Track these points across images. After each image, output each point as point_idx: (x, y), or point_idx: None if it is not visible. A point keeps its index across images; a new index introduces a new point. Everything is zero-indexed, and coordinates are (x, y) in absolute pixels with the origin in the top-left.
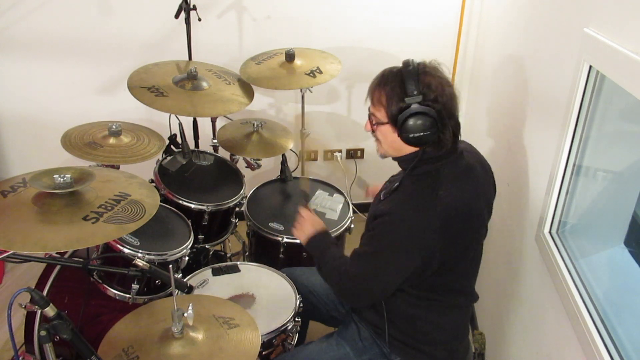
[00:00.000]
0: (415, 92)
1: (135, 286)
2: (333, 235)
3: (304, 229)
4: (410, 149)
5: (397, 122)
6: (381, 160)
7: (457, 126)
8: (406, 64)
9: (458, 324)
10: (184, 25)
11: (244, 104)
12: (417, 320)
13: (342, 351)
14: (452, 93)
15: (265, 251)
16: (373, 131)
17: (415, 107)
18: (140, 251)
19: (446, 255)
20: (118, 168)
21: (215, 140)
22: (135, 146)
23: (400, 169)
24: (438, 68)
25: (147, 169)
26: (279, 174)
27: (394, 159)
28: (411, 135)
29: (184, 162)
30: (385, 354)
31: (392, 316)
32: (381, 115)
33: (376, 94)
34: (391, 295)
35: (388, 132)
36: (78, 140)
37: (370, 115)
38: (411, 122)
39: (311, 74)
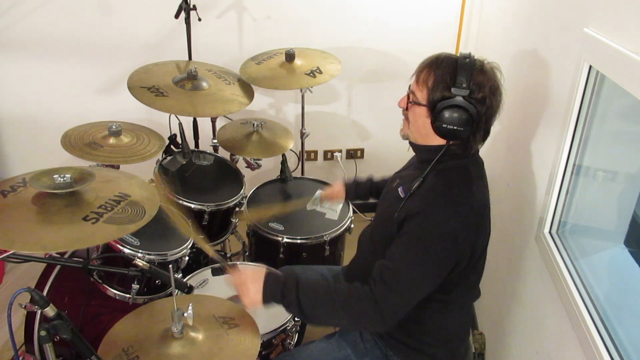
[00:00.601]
0: (464, 86)
1: (135, 286)
2: (333, 235)
3: (254, 295)
4: (436, 140)
5: (435, 108)
6: (381, 160)
7: (488, 133)
8: (465, 55)
9: (461, 324)
10: (184, 25)
11: (244, 104)
12: (420, 322)
13: (343, 352)
14: (499, 101)
15: (265, 251)
16: (406, 109)
17: (459, 99)
18: (140, 251)
19: (475, 252)
20: (118, 168)
21: (215, 140)
22: (135, 146)
23: (406, 164)
24: (496, 72)
25: (147, 169)
26: (279, 174)
27: (415, 146)
28: (444, 126)
29: (184, 162)
30: (386, 355)
31: None
32: (422, 96)
33: (424, 74)
34: None
35: (421, 115)
36: (78, 140)
37: (410, 92)
38: (449, 113)
39: (311, 74)
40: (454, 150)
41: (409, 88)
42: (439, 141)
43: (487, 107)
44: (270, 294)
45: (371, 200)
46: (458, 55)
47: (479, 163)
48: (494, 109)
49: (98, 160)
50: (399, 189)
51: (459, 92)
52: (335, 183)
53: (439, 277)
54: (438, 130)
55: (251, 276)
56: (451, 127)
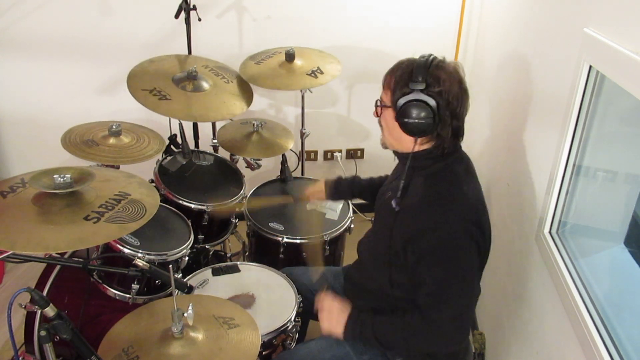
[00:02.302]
0: (420, 80)
1: (135, 286)
2: (333, 235)
3: (335, 326)
4: (410, 142)
5: (397, 106)
6: (381, 160)
7: (459, 129)
8: (422, 55)
9: None
10: (184, 25)
11: (245, 106)
12: None
13: (342, 350)
14: (462, 95)
15: (265, 251)
16: (379, 115)
17: (415, 93)
18: (140, 251)
19: (485, 246)
20: (118, 168)
21: (215, 140)
22: (135, 146)
23: (393, 175)
24: (457, 69)
25: (147, 169)
26: (279, 174)
27: (395, 153)
28: (405, 120)
29: (184, 162)
30: (385, 353)
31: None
32: (387, 99)
33: (387, 79)
34: (394, 295)
35: (389, 118)
36: (78, 140)
37: (379, 100)
38: (408, 106)
39: (313, 74)
40: (432, 151)
41: (379, 98)
42: (411, 141)
43: (448, 99)
44: (351, 332)
45: (356, 200)
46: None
47: (464, 158)
48: (458, 102)
49: (98, 160)
50: (392, 202)
51: (416, 87)
52: (318, 182)
53: (478, 277)
54: (404, 128)
55: (338, 308)
56: (412, 120)
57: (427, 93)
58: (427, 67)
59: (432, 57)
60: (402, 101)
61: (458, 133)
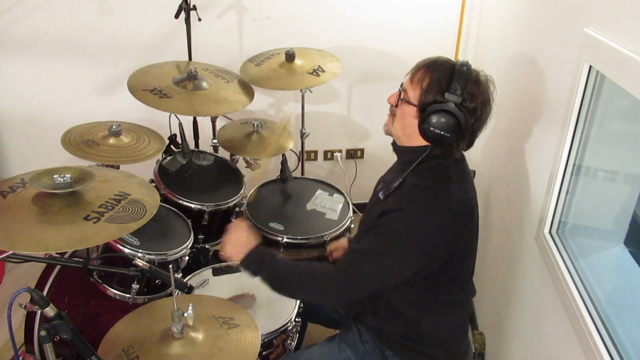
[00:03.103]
0: (458, 92)
1: (135, 286)
2: (333, 235)
3: (235, 250)
4: (419, 141)
5: (426, 110)
6: (381, 160)
7: (471, 143)
8: (463, 63)
9: (459, 323)
10: (184, 26)
11: (246, 102)
12: (417, 322)
13: (343, 355)
14: (489, 115)
15: None
16: (395, 105)
17: (450, 105)
18: (140, 251)
19: (454, 249)
20: (118, 168)
21: (215, 140)
22: (135, 146)
23: (390, 168)
24: (490, 85)
25: (147, 169)
26: (279, 174)
27: (397, 147)
28: (431, 129)
29: (184, 162)
30: (387, 357)
31: (393, 319)
32: (414, 95)
33: (420, 74)
34: (393, 297)
35: (409, 115)
36: (78, 139)
37: (402, 90)
38: (438, 117)
39: (314, 73)
40: (434, 152)
41: (401, 85)
42: (421, 143)
43: (477, 118)
44: (252, 260)
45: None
46: (456, 61)
47: (461, 160)
48: (482, 121)
49: (98, 160)
50: (379, 193)
51: (452, 98)
52: (342, 240)
53: (399, 275)
54: (424, 133)
55: (247, 237)
56: (438, 131)
57: (461, 108)
58: (467, 79)
59: (472, 68)
60: (433, 108)
61: (470, 145)
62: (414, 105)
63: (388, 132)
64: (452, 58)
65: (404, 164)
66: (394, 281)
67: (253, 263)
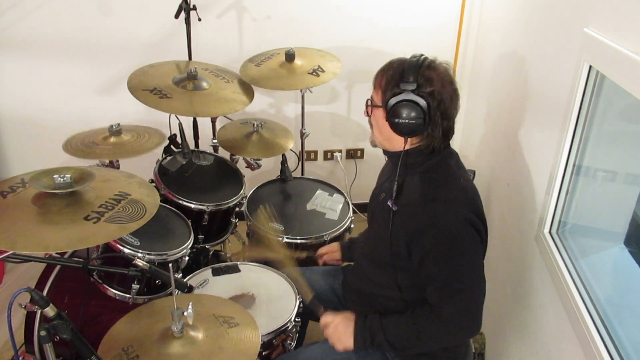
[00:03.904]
0: (411, 80)
1: (135, 286)
2: (333, 235)
3: (345, 339)
4: (400, 141)
5: (388, 106)
6: (381, 160)
7: (449, 130)
8: (414, 55)
9: None
10: (184, 25)
11: (246, 102)
12: None
13: (343, 354)
14: (452, 95)
15: None
16: (369, 116)
17: (408, 94)
18: (140, 251)
19: (485, 234)
20: (118, 167)
21: (215, 140)
22: (136, 141)
23: (384, 177)
24: (448, 69)
25: (147, 169)
26: (279, 174)
27: (386, 154)
28: (396, 120)
29: (184, 162)
30: (387, 356)
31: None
32: (377, 98)
33: (379, 78)
34: (393, 297)
35: (380, 117)
36: (79, 144)
37: (370, 99)
38: (399, 107)
39: (314, 73)
40: (423, 149)
41: (370, 97)
42: (402, 143)
43: (439, 100)
44: (362, 341)
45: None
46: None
47: (453, 153)
48: (448, 103)
49: (98, 157)
50: (388, 202)
51: (407, 87)
52: (333, 244)
53: (483, 267)
54: (395, 128)
55: (342, 321)
56: (403, 121)
57: (418, 93)
58: (418, 67)
59: (423, 57)
60: (392, 101)
61: (448, 133)
62: (380, 106)
63: (373, 144)
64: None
65: (395, 167)
66: (485, 283)
67: (364, 342)
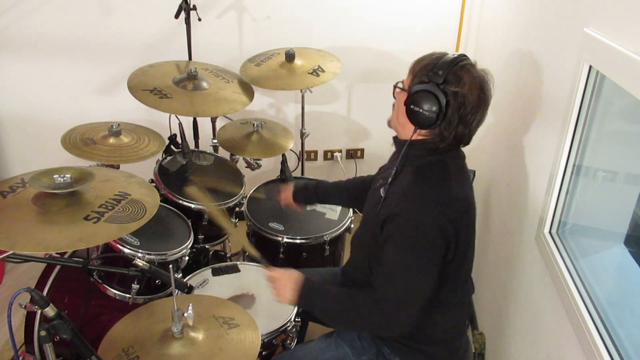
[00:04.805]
0: (440, 74)
1: (135, 286)
2: (333, 235)
3: (286, 292)
4: (410, 130)
5: (410, 92)
6: (381, 160)
7: (464, 136)
8: (455, 53)
9: (458, 321)
10: (184, 25)
11: (246, 102)
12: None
13: (341, 351)
14: (478, 104)
15: (265, 251)
16: (395, 98)
17: (430, 85)
18: (140, 251)
19: (459, 246)
20: (118, 168)
21: (215, 140)
22: (135, 146)
23: (388, 164)
24: (485, 76)
25: (147, 169)
26: (279, 174)
27: (394, 138)
28: (412, 107)
29: (184, 162)
30: (384, 354)
31: None
32: (406, 82)
33: (414, 64)
34: None
35: (401, 100)
36: (77, 138)
37: (400, 82)
38: (418, 95)
39: (314, 73)
40: (428, 143)
41: (402, 81)
42: (411, 133)
43: (460, 103)
44: (304, 296)
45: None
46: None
47: (460, 156)
48: (471, 108)
49: (98, 160)
50: (381, 190)
51: (434, 79)
52: (286, 186)
53: (433, 274)
54: (409, 114)
55: (288, 276)
56: (418, 109)
57: (443, 89)
58: (453, 64)
59: (463, 56)
60: (415, 88)
61: (462, 139)
62: (405, 90)
63: (389, 124)
64: None
65: (398, 155)
66: (431, 284)
67: (305, 303)
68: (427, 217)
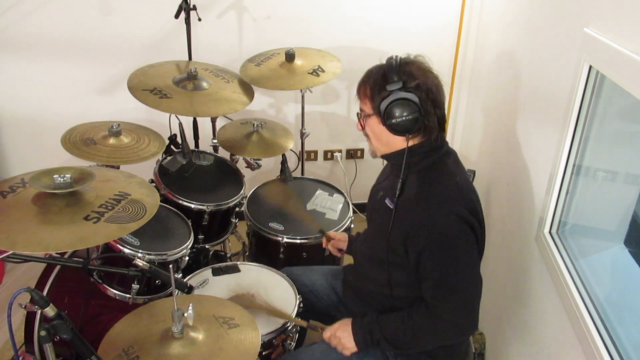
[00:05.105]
0: (395, 79)
1: (135, 286)
2: None
3: (347, 342)
4: (399, 143)
5: (381, 111)
6: (381, 160)
7: (442, 117)
8: (389, 58)
9: None
10: (184, 25)
11: (246, 102)
12: None
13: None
14: (436, 82)
15: (265, 251)
16: (363, 128)
17: (397, 93)
18: (140, 251)
19: (480, 230)
20: (118, 168)
21: (215, 140)
22: (135, 146)
23: (382, 175)
24: (423, 61)
25: (147, 169)
26: (279, 174)
27: (385, 157)
28: (394, 121)
29: (184, 162)
30: (387, 356)
31: None
32: (367, 108)
33: (362, 89)
34: (394, 297)
35: (375, 125)
36: (78, 138)
37: (359, 112)
38: (393, 107)
39: (314, 73)
40: (423, 145)
41: (359, 110)
42: (402, 143)
43: (426, 91)
44: (362, 339)
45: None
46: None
47: (451, 152)
48: (436, 90)
49: (98, 160)
50: (386, 201)
51: (394, 87)
52: (344, 234)
53: (477, 263)
54: (394, 129)
55: (338, 327)
56: (401, 119)
57: (406, 90)
58: (397, 66)
59: (397, 56)
60: (384, 104)
61: (442, 121)
62: (372, 114)
63: (374, 154)
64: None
65: (396, 168)
66: (480, 278)
67: (364, 339)
68: (445, 215)
